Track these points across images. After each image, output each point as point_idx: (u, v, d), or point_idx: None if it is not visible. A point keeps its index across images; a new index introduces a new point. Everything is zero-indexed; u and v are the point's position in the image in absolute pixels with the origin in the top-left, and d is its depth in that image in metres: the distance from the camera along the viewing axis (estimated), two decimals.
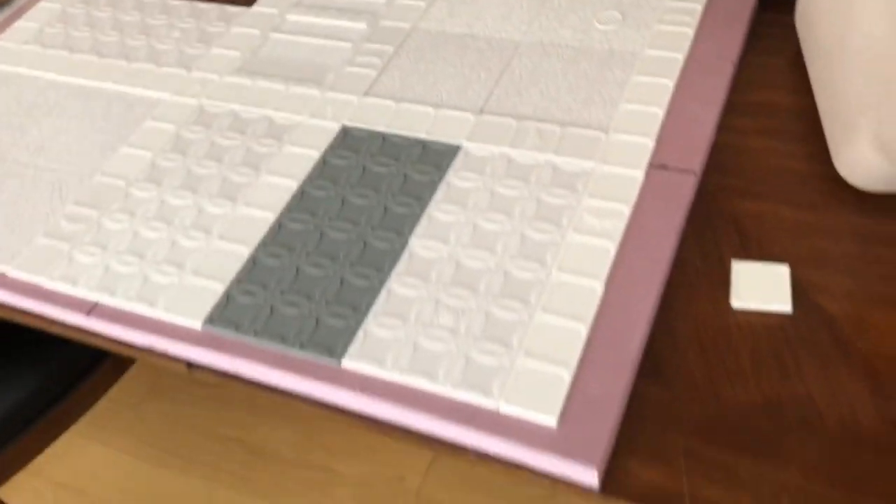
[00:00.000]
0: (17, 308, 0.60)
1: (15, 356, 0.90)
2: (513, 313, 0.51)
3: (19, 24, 0.84)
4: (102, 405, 1.31)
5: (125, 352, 0.57)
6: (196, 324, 0.54)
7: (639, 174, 0.57)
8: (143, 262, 0.59)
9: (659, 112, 0.61)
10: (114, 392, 1.34)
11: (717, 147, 0.61)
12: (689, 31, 0.67)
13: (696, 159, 0.58)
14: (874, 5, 0.47)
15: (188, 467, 1.23)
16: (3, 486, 0.90)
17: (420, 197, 0.59)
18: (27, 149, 0.70)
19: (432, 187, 0.59)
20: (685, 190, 0.56)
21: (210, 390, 1.32)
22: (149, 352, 0.56)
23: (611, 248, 0.53)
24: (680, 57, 0.65)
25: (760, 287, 0.51)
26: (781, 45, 0.67)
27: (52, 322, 0.59)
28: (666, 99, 0.62)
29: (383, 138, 0.64)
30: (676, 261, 0.54)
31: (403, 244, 0.56)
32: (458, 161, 0.61)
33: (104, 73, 0.76)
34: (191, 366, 0.55)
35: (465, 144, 0.62)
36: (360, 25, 0.75)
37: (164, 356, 0.55)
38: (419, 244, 0.56)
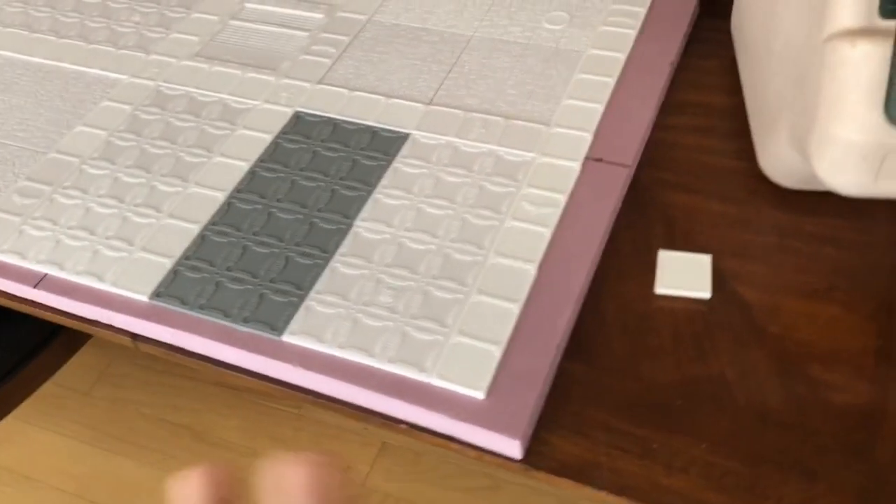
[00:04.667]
0: None
1: None
2: (450, 293, 0.53)
3: None
4: (51, 391, 1.31)
5: (72, 324, 0.58)
6: (143, 297, 0.56)
7: (576, 166, 0.60)
8: (94, 237, 0.60)
9: (598, 108, 0.64)
10: (63, 378, 1.33)
11: (653, 143, 0.64)
12: (632, 33, 0.70)
13: (631, 153, 0.61)
14: (795, 12, 0.50)
15: (137, 453, 1.24)
16: None
17: (367, 181, 0.61)
18: None
19: (380, 172, 0.61)
20: (618, 182, 0.59)
21: (160, 377, 1.32)
22: (95, 324, 0.57)
23: (546, 233, 0.56)
24: (621, 57, 0.68)
25: (683, 275, 0.54)
26: (718, 49, 0.70)
27: (1, 293, 0.60)
28: (606, 95, 0.65)
29: (334, 124, 0.66)
30: (608, 248, 0.57)
31: (349, 226, 0.58)
32: (406, 148, 0.63)
33: (62, 53, 0.77)
34: (136, 338, 0.56)
35: (414, 133, 0.64)
36: (318, 15, 0.77)
37: (111, 328, 0.57)
38: (364, 226, 0.58)
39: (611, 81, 0.66)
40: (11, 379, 0.92)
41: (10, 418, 1.27)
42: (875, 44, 0.41)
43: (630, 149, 0.61)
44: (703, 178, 0.61)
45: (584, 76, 0.67)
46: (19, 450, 1.25)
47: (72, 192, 0.63)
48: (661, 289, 0.54)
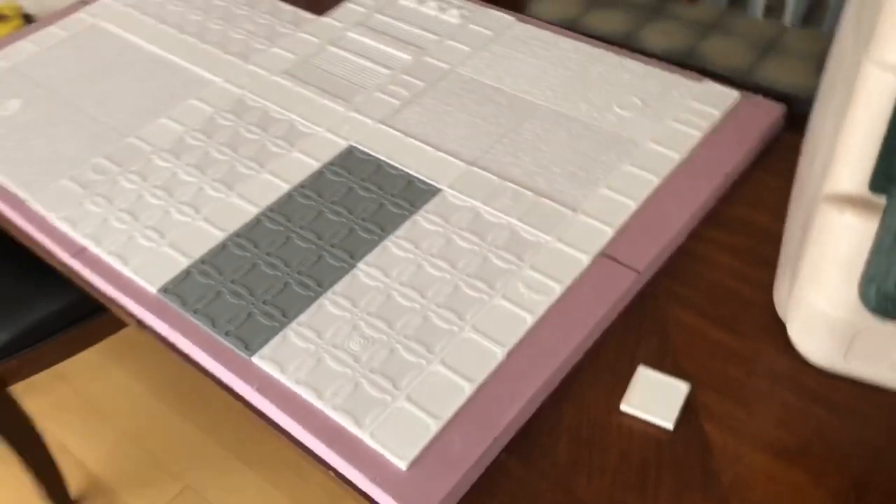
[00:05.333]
0: (27, 234, 0.68)
1: (53, 275, 1.00)
2: (414, 356, 0.54)
3: None
4: (137, 338, 1.42)
5: (96, 296, 0.64)
6: (153, 289, 0.60)
7: (586, 259, 0.59)
8: (135, 223, 0.65)
9: (632, 205, 0.62)
10: None
11: (681, 252, 0.62)
12: (697, 135, 0.67)
13: (646, 259, 0.59)
14: (820, 161, 0.47)
15: (192, 415, 1.32)
16: (32, 383, 1.01)
17: (385, 227, 0.63)
18: (90, 99, 0.79)
19: (399, 221, 0.63)
20: (623, 285, 0.57)
21: None
22: (113, 302, 0.62)
23: (529, 321, 0.55)
24: (677, 157, 0.66)
25: (654, 398, 0.52)
26: (789, 168, 0.66)
27: (49, 254, 0.67)
28: (644, 194, 0.63)
29: (378, 165, 0.68)
30: (592, 350, 0.56)
31: (351, 266, 0.60)
32: (433, 203, 0.64)
33: (177, 47, 0.84)
34: (141, 324, 0.61)
35: (445, 190, 0.65)
36: (406, 56, 0.80)
37: (123, 309, 0.62)
38: (364, 270, 0.60)
39: (655, 181, 0.64)
40: (88, 323, 1.01)
41: (96, 354, 1.39)
42: (862, 216, 0.38)
43: (647, 254, 0.59)
44: (718, 301, 0.58)
45: (632, 169, 0.65)
46: (98, 384, 1.37)
47: (133, 178, 0.70)
48: (625, 406, 0.52)
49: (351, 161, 0.69)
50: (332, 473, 0.51)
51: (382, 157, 0.69)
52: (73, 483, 1.23)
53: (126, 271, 0.62)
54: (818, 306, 0.40)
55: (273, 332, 0.56)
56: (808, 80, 0.71)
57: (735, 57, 0.76)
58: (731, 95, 0.71)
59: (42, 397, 1.36)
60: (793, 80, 0.72)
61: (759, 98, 0.71)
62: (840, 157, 0.40)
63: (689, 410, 0.52)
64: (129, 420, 1.34)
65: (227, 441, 1.29)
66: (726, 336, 0.56)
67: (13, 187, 0.70)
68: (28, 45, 0.86)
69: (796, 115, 0.71)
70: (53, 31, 0.88)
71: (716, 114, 0.69)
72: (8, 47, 0.87)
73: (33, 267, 1.01)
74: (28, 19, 0.94)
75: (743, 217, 0.64)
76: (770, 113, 0.70)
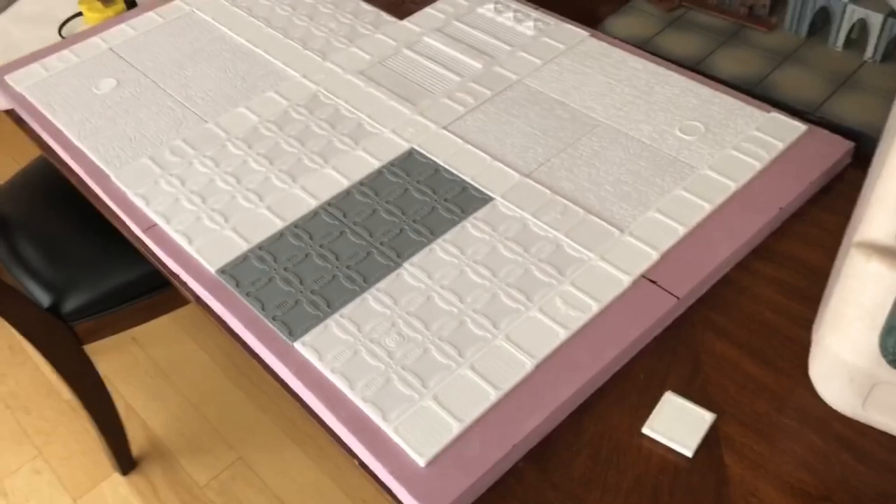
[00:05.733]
0: (108, 207, 0.73)
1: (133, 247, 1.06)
2: (445, 358, 0.56)
3: None
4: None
5: (161, 270, 0.68)
6: (211, 269, 0.64)
7: (626, 280, 0.59)
8: (203, 205, 0.69)
9: (680, 230, 0.62)
10: None
11: (725, 281, 0.61)
12: (757, 165, 0.67)
13: (688, 286, 0.59)
14: (867, 207, 0.46)
15: (251, 391, 1.37)
16: (107, 344, 1.07)
17: (434, 231, 0.65)
18: (176, 83, 0.84)
19: (449, 226, 0.65)
20: (661, 309, 0.58)
21: None
22: (175, 277, 0.67)
23: (562, 335, 0.56)
24: (733, 186, 0.65)
25: (677, 425, 0.52)
26: (848, 207, 0.65)
27: (124, 226, 0.71)
28: (694, 220, 0.63)
29: (436, 169, 0.70)
30: (622, 370, 0.56)
31: (397, 265, 0.62)
32: (483, 211, 0.66)
33: (263, 40, 0.88)
34: (198, 300, 0.65)
35: (497, 199, 0.67)
36: (477, 65, 0.82)
37: (184, 285, 0.66)
38: (409, 270, 0.62)
39: (707, 208, 0.64)
40: (161, 293, 1.07)
41: (169, 322, 1.46)
42: (889, 266, 0.38)
43: (689, 281, 0.59)
44: (755, 334, 0.58)
45: (685, 194, 0.65)
46: (168, 351, 1.45)
47: (207, 162, 0.74)
48: (647, 429, 0.53)
49: (410, 163, 0.71)
50: (356, 462, 0.53)
51: (441, 162, 0.71)
52: (135, 442, 1.30)
53: (190, 250, 0.66)
54: (839, 352, 0.40)
55: (316, 321, 0.59)
56: (881, 117, 0.70)
57: (808, 89, 0.75)
58: (797, 128, 0.70)
59: (115, 359, 1.44)
60: (865, 117, 0.71)
61: (826, 133, 0.70)
62: (875, 205, 0.40)
63: (711, 440, 0.52)
64: (193, 389, 1.40)
65: (281, 421, 1.34)
66: (759, 370, 0.56)
67: (99, 162, 0.75)
68: (127, 29, 0.92)
69: (864, 153, 0.69)
70: (151, 17, 0.94)
71: (779, 145, 0.68)
72: (110, 30, 0.93)
73: (116, 238, 1.08)
74: (130, 4, 1.00)
75: (794, 253, 0.63)
76: (836, 149, 0.68)
